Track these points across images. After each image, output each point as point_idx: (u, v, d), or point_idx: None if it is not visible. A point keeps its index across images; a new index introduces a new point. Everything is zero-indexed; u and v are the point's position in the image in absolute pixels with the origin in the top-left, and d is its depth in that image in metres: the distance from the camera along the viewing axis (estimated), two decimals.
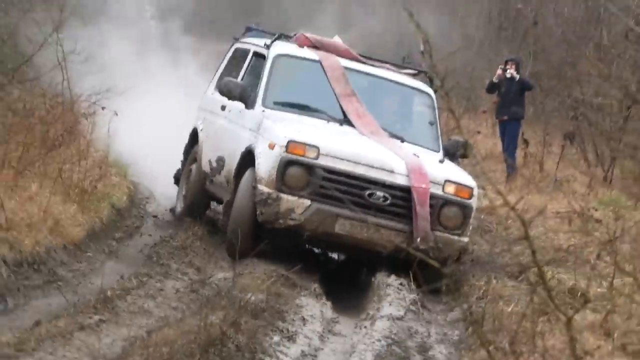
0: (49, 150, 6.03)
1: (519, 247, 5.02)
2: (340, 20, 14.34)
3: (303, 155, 5.42)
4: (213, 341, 3.13)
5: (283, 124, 5.82)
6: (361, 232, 5.40)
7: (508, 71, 10.03)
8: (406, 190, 5.40)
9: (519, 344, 3.19)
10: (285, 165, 5.41)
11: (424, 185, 5.37)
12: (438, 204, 5.44)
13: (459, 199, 5.52)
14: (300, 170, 5.46)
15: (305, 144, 5.43)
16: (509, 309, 4.28)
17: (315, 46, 6.33)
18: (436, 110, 6.39)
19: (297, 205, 5.37)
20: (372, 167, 5.48)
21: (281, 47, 6.32)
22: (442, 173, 5.63)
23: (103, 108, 6.78)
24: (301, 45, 6.33)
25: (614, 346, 3.32)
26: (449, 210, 5.52)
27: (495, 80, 10.39)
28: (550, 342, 3.36)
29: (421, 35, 2.03)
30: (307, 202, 5.39)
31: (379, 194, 5.42)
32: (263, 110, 5.95)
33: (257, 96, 6.03)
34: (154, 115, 7.86)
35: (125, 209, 6.74)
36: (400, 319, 4.63)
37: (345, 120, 5.97)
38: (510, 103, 10.01)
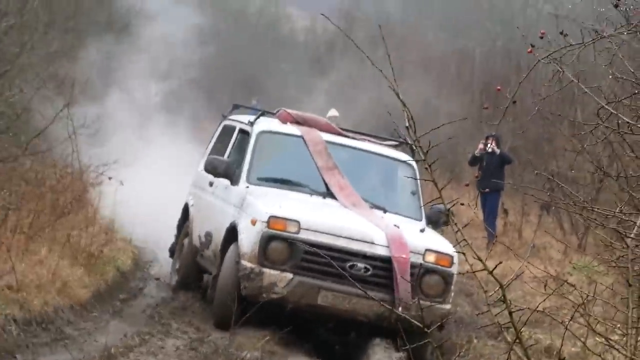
0: (59, 217, 6.27)
1: (497, 309, 5.29)
2: (334, 98, 15.23)
3: (284, 230, 5.45)
4: None
5: (265, 200, 5.84)
6: (343, 303, 5.44)
7: (489, 146, 10.71)
8: (387, 261, 5.42)
9: None
10: (266, 240, 5.45)
11: (404, 256, 5.40)
12: (419, 272, 5.43)
13: (439, 267, 5.53)
14: (281, 245, 5.48)
15: (286, 219, 5.47)
16: None
17: (297, 121, 6.36)
18: (418, 180, 6.20)
19: (280, 280, 5.40)
20: (353, 239, 5.51)
21: (264, 124, 6.36)
22: (422, 242, 5.63)
23: (110, 178, 7.15)
24: (284, 121, 6.35)
25: None
26: (430, 278, 5.53)
27: (477, 154, 11.02)
28: None
29: (405, 112, 2.32)
30: (290, 275, 5.41)
31: (360, 265, 5.44)
32: (247, 187, 5.98)
33: (242, 172, 6.06)
34: (158, 184, 8.15)
35: (130, 272, 6.92)
36: None
37: (328, 193, 5.99)
38: (490, 175, 10.32)
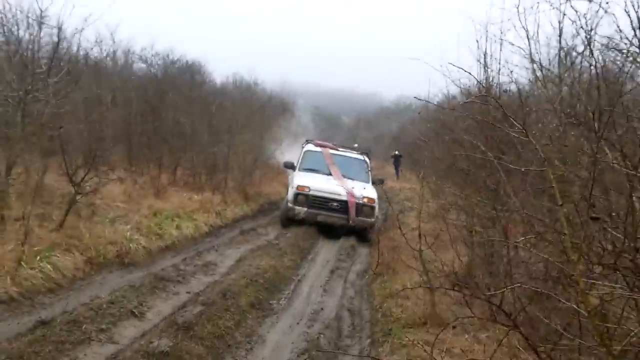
0: (245, 176, 15.27)
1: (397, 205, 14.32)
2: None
3: (303, 191, 12.70)
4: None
5: (299, 177, 13.34)
6: (327, 219, 12.66)
7: (396, 153, 31.53)
8: (345, 202, 12.63)
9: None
10: (296, 195, 12.69)
11: (352, 200, 12.61)
12: (360, 206, 12.67)
13: (368, 203, 12.83)
14: (302, 196, 12.67)
15: (304, 186, 12.80)
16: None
17: (320, 145, 15.03)
18: (367, 166, 14.55)
19: (301, 211, 12.60)
20: (332, 193, 12.75)
21: (307, 146, 14.84)
22: (362, 193, 12.94)
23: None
24: (315, 145, 14.94)
25: None
26: (364, 209, 12.73)
27: (391, 155, 31.16)
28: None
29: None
30: (305, 209, 12.61)
31: (335, 204, 12.69)
32: (294, 172, 14.08)
33: (297, 166, 14.33)
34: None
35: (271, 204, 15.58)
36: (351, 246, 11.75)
37: (329, 174, 13.74)
38: (397, 160, 30.59)
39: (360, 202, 12.77)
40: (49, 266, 6.19)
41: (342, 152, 14.88)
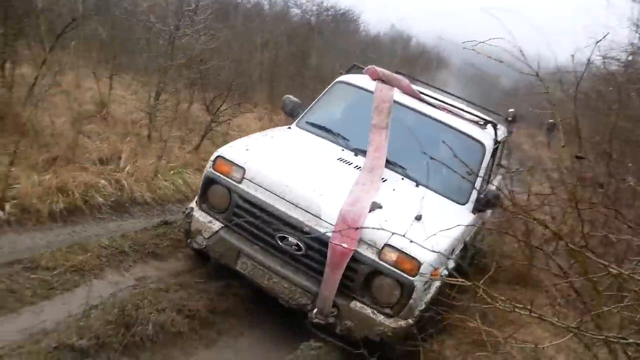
0: None
1: None
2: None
3: (227, 175, 4.37)
4: None
5: (250, 140, 4.87)
6: (262, 278, 4.15)
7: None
8: (326, 245, 3.92)
9: None
10: (208, 181, 4.47)
11: (345, 245, 3.87)
12: (367, 270, 3.94)
13: (396, 271, 3.86)
14: (221, 191, 4.41)
15: (232, 163, 4.37)
16: None
17: (381, 79, 5.61)
18: (485, 162, 5.18)
19: (205, 229, 4.40)
20: (297, 206, 4.10)
21: (345, 76, 5.87)
22: (387, 233, 3.41)
23: None
24: (371, 77, 5.67)
25: None
26: (381, 281, 3.96)
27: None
28: None
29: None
30: (216, 227, 4.38)
31: (292, 240, 4.08)
32: (288, 127, 5.50)
33: (300, 115, 5.57)
34: None
35: None
36: None
37: (362, 151, 4.93)
38: None
39: (376, 259, 3.97)
40: (180, 180, 7.14)
41: (427, 108, 5.51)
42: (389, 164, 4.89)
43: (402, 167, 4.93)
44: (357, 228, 3.85)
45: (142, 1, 9.00)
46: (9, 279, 3.93)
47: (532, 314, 2.58)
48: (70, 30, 7.10)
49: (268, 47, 16.00)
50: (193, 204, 4.63)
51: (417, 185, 4.79)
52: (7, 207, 4.76)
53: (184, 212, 4.67)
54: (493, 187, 5.55)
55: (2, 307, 3.63)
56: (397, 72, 5.92)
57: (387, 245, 3.89)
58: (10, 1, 6.20)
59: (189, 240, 4.57)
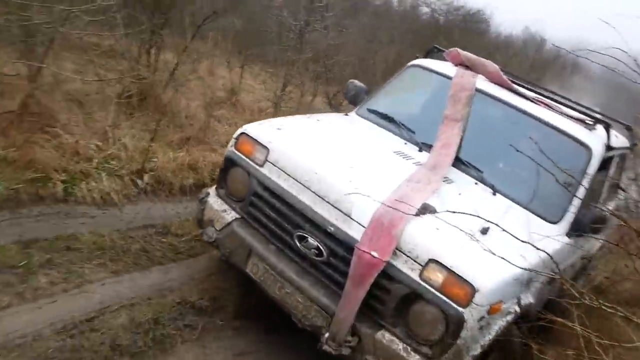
0: None
1: None
2: None
3: (249, 156, 3.57)
4: None
5: (289, 122, 4.00)
6: (274, 286, 3.28)
7: None
8: (352, 251, 3.00)
9: None
10: (226, 163, 3.72)
11: (375, 254, 2.90)
12: (402, 292, 2.94)
13: (442, 297, 2.83)
14: (241, 175, 3.62)
15: (256, 142, 3.55)
16: None
17: (464, 64, 4.61)
18: (591, 172, 3.90)
19: (218, 219, 3.63)
20: (323, 199, 3.19)
21: (420, 59, 4.89)
22: (440, 247, 2.88)
23: None
24: (453, 61, 4.68)
25: None
26: (421, 308, 2.93)
27: None
28: None
29: None
30: (230, 218, 3.58)
31: (312, 242, 3.17)
32: (346, 114, 4.64)
33: (362, 100, 4.67)
34: None
35: None
36: None
37: (427, 146, 3.96)
38: None
39: (416, 278, 2.89)
40: None
41: (519, 100, 4.27)
42: (460, 163, 3.87)
43: (478, 169, 3.85)
44: (394, 233, 2.92)
45: None
46: (143, 240, 4.41)
47: None
48: (209, 22, 7.66)
49: (394, 44, 16.07)
50: (211, 189, 3.87)
51: (493, 193, 3.70)
52: (146, 177, 5.28)
53: (199, 197, 3.88)
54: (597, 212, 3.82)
55: (136, 263, 4.10)
56: (504, 72, 4.55)
57: (432, 260, 2.85)
58: None
59: (200, 232, 3.84)
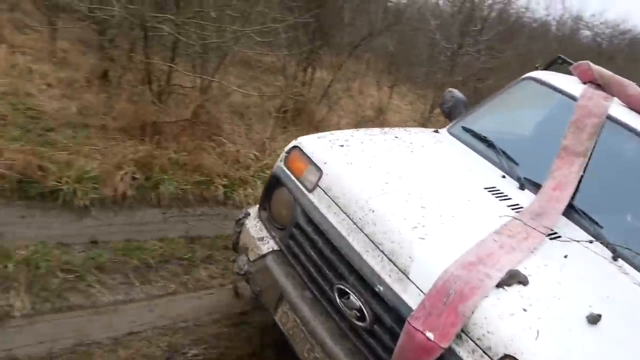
0: None
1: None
2: None
3: (298, 177, 2.82)
4: None
5: (359, 145, 3.02)
6: (302, 345, 2.55)
7: None
8: (402, 322, 2.17)
9: None
10: (274, 180, 3.00)
11: (430, 335, 2.05)
12: None
13: None
14: (286, 197, 2.88)
15: (309, 160, 2.81)
16: None
17: (595, 81, 3.51)
18: None
19: (253, 247, 2.94)
20: (377, 246, 2.37)
21: (542, 73, 3.80)
22: (523, 338, 1.95)
23: None
24: (581, 78, 3.60)
25: None
26: None
27: None
28: None
29: None
30: (266, 249, 2.87)
31: (355, 301, 2.39)
32: (436, 131, 3.65)
33: (459, 116, 3.77)
34: None
35: None
36: None
37: (532, 185, 2.97)
38: None
39: None
40: None
41: None
42: (574, 212, 2.79)
43: (596, 223, 2.72)
44: (461, 309, 2.04)
45: (431, 19, 9.54)
46: None
47: None
48: (365, 42, 7.95)
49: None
50: (252, 209, 3.20)
51: (614, 258, 2.54)
52: None
53: (238, 217, 3.19)
54: None
55: None
56: None
57: (509, 357, 1.94)
58: (324, 17, 7.23)
59: (233, 259, 3.30)
